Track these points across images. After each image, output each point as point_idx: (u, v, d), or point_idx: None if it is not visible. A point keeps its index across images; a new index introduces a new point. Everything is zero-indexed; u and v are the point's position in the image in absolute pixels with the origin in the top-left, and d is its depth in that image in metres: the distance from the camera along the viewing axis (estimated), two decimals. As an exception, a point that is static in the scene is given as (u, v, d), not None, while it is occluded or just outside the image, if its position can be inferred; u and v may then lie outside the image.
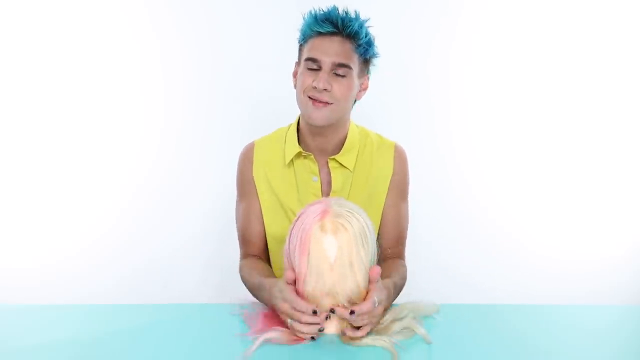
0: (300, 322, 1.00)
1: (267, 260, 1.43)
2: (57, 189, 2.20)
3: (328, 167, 1.35)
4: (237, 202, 1.44)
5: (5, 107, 2.15)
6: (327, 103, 1.25)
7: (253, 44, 2.18)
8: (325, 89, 1.24)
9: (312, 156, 1.35)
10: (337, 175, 1.34)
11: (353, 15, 1.26)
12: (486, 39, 2.21)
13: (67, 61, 2.14)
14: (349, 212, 1.02)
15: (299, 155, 1.35)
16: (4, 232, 2.19)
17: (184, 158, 2.24)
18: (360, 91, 1.33)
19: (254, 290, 1.25)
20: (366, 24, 1.28)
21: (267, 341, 1.01)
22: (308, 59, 1.26)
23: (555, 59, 2.20)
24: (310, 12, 1.28)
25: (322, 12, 1.26)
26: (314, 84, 1.24)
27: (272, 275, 1.31)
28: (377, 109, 1.97)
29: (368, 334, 1.02)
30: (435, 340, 1.05)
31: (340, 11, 1.26)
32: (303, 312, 0.99)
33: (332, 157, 1.34)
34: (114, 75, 2.17)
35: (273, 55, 1.98)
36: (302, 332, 1.00)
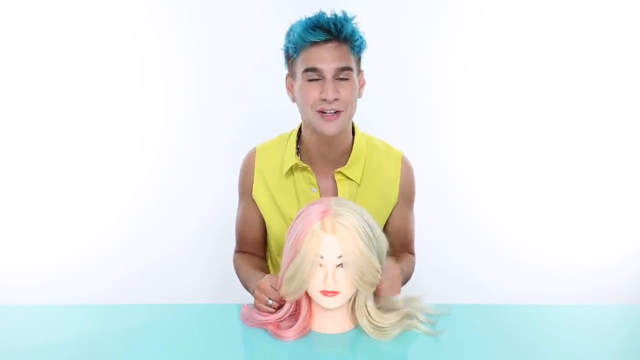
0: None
1: (262, 255, 1.46)
2: (57, 189, 2.19)
3: (334, 180, 1.33)
4: (238, 201, 1.45)
5: (5, 108, 2.14)
6: (338, 112, 1.23)
7: (253, 44, 2.17)
8: (335, 99, 1.21)
9: (309, 168, 1.32)
10: (343, 187, 1.33)
11: (342, 16, 1.22)
12: (486, 39, 2.20)
13: (67, 62, 2.14)
14: (349, 211, 1.02)
15: (296, 167, 1.33)
16: (4, 232, 2.19)
17: (184, 158, 2.24)
18: (360, 88, 1.31)
19: (242, 281, 1.36)
20: (354, 22, 1.25)
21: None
22: (308, 70, 1.21)
23: (555, 62, 2.19)
24: (299, 22, 1.24)
25: (310, 20, 1.22)
26: (322, 96, 1.21)
27: (264, 266, 1.41)
28: (377, 110, 1.97)
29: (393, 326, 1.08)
30: (435, 339, 1.05)
31: (328, 14, 1.22)
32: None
33: (339, 169, 1.32)
34: (114, 76, 2.17)
35: (273, 56, 1.98)
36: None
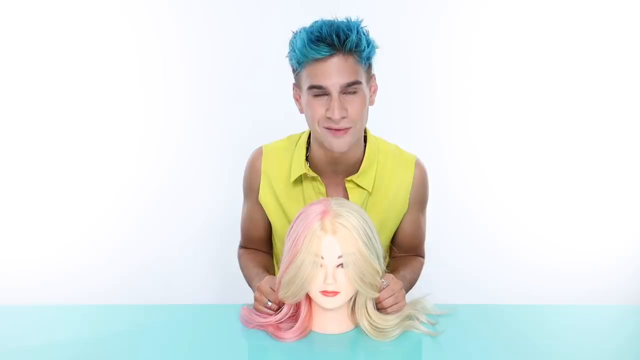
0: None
1: (267, 251, 1.45)
2: (57, 189, 2.19)
3: (344, 188, 1.29)
4: (243, 199, 1.43)
5: (6, 108, 2.14)
6: (347, 129, 1.16)
7: (254, 43, 2.17)
8: (342, 117, 1.13)
9: (319, 178, 1.28)
10: (354, 196, 1.28)
11: (345, 24, 1.12)
12: (488, 39, 2.20)
13: (67, 63, 2.14)
14: (349, 211, 1.02)
15: (305, 176, 1.28)
16: (4, 232, 2.19)
17: (184, 158, 2.24)
18: (371, 95, 1.23)
19: (246, 278, 1.36)
20: (362, 25, 1.15)
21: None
22: (312, 87, 1.13)
23: (557, 64, 2.19)
24: (299, 34, 1.14)
25: (311, 32, 1.11)
26: (328, 115, 1.13)
27: (269, 263, 1.39)
28: (377, 110, 1.97)
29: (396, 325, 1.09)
30: (435, 339, 1.05)
31: (330, 17, 1.13)
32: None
33: (350, 178, 1.27)
34: (115, 76, 2.17)
35: (274, 55, 1.98)
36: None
